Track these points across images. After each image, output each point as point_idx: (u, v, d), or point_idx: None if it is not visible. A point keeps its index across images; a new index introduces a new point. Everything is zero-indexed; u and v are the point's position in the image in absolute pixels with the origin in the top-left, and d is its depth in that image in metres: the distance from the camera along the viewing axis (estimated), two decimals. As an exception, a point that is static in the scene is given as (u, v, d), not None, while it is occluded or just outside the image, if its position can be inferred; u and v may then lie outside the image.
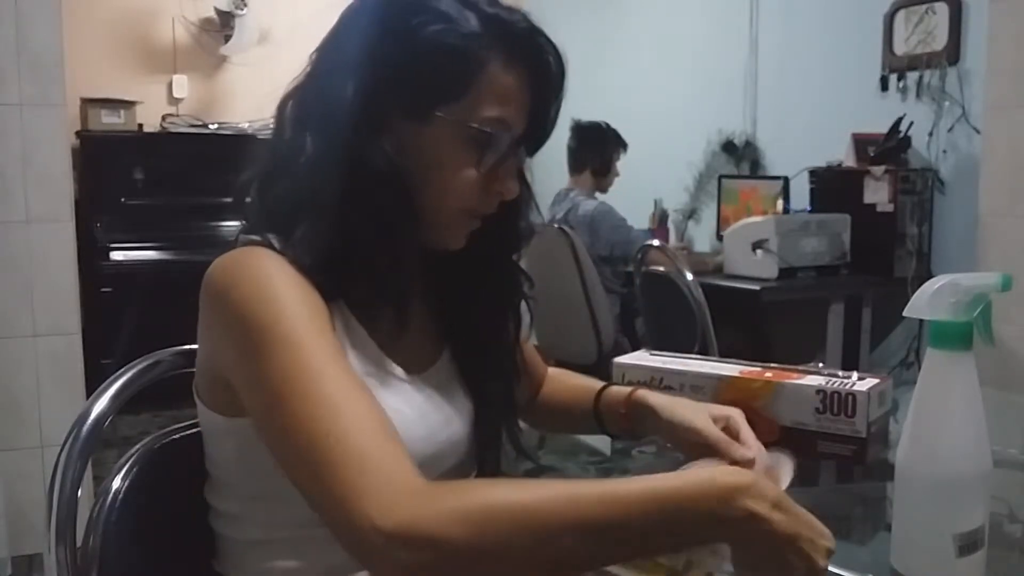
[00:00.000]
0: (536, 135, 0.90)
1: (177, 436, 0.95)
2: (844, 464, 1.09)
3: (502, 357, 1.00)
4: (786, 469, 0.88)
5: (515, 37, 0.85)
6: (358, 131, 0.82)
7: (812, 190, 3.39)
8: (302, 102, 0.87)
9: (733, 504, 0.64)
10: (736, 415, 0.96)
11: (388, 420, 0.70)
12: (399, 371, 0.88)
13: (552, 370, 1.17)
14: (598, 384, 1.09)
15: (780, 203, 3.44)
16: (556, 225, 3.40)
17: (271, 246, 0.80)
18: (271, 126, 0.89)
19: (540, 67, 0.87)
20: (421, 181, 0.84)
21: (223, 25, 4.81)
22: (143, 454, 0.93)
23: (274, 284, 0.76)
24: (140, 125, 4.51)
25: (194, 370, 0.88)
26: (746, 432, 0.94)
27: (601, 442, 1.24)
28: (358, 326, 0.85)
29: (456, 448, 0.93)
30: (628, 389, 1.04)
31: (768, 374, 1.16)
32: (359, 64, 0.83)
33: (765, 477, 0.73)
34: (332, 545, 0.66)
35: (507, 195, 0.88)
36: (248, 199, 0.88)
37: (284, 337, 0.72)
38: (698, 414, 0.95)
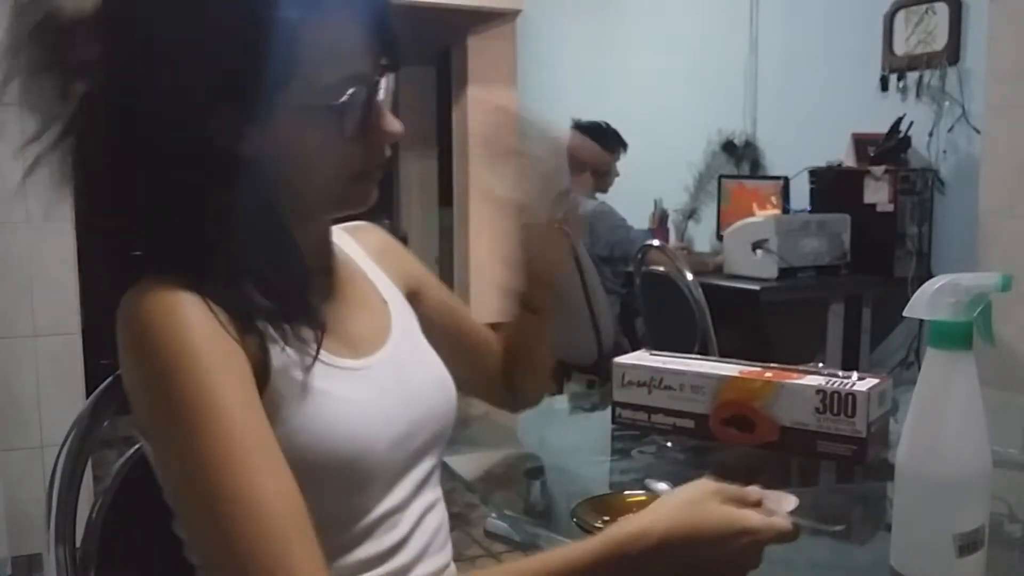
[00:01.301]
0: (391, 57, 0.81)
1: (177, 436, 0.95)
2: (844, 464, 1.09)
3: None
4: (785, 504, 0.85)
5: None
6: (194, 148, 0.75)
7: (812, 190, 3.39)
8: (117, 104, 0.77)
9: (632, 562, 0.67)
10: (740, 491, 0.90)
11: (299, 506, 0.68)
12: (344, 361, 0.83)
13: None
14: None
15: (777, 200, 3.45)
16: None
17: (179, 282, 0.73)
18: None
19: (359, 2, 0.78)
20: (294, 174, 0.79)
21: (223, 25, 4.81)
22: (143, 454, 0.93)
23: (188, 352, 0.70)
24: (140, 125, 4.51)
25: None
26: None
27: (602, 443, 1.24)
28: (286, 333, 0.79)
29: (424, 426, 0.89)
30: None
31: (768, 374, 1.16)
32: (162, 73, 0.73)
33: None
34: None
35: (391, 137, 0.82)
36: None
37: (200, 426, 0.68)
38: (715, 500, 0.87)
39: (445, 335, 1.05)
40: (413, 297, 1.02)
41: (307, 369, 0.78)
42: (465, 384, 1.08)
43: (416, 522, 0.88)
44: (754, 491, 0.73)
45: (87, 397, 0.92)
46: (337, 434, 0.79)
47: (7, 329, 2.51)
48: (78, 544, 0.87)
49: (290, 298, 0.79)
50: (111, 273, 0.78)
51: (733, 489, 0.72)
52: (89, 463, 0.90)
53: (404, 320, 0.96)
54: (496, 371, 1.12)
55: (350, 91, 0.77)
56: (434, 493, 0.93)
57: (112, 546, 0.88)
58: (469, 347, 1.10)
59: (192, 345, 0.70)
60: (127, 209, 0.78)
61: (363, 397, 0.82)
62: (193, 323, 0.71)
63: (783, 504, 0.79)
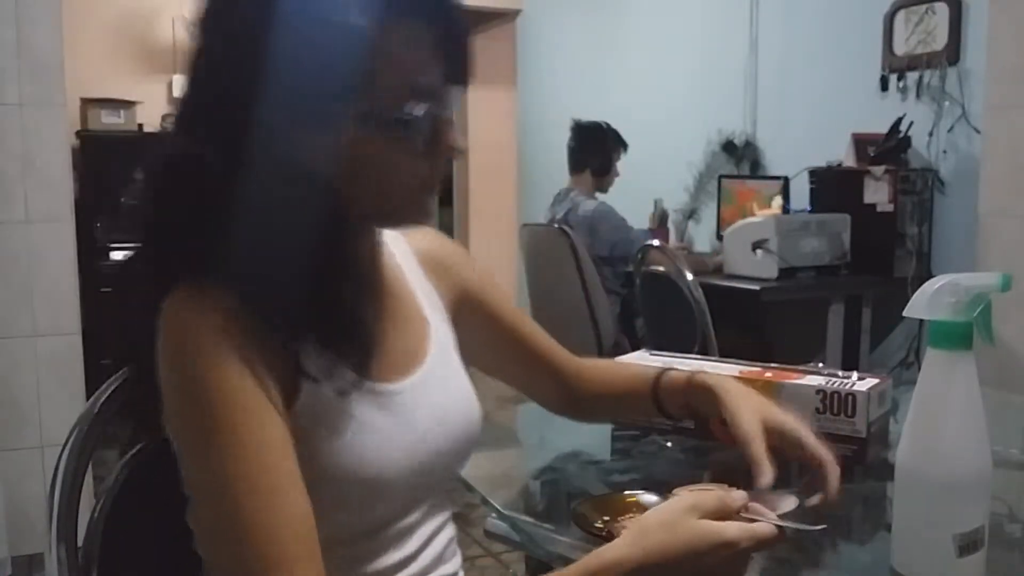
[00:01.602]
0: (462, 74, 0.81)
1: (177, 436, 0.95)
2: (844, 464, 1.09)
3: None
4: (784, 504, 0.84)
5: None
6: (263, 159, 0.74)
7: (812, 190, 3.39)
8: (202, 116, 0.78)
9: None
10: (792, 428, 0.92)
11: (311, 529, 0.71)
12: (375, 384, 0.83)
13: (593, 361, 1.13)
14: (653, 370, 1.06)
15: (778, 200, 3.44)
16: (556, 225, 3.41)
17: (217, 298, 0.73)
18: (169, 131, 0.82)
19: (437, 14, 0.78)
20: (357, 188, 0.78)
21: (223, 25, 4.81)
22: (143, 454, 0.93)
23: (223, 382, 0.71)
24: (140, 125, 4.51)
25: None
26: (805, 443, 0.91)
27: (602, 443, 1.24)
28: (323, 355, 0.78)
29: (446, 455, 0.89)
30: (687, 373, 1.02)
31: (768, 374, 1.16)
32: (242, 83, 0.73)
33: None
34: None
35: (455, 153, 0.82)
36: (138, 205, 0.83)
37: (224, 445, 0.71)
38: (754, 420, 0.92)
39: (503, 345, 1.05)
40: (467, 306, 1.01)
41: (342, 393, 0.78)
42: (522, 389, 1.10)
43: (429, 538, 0.90)
44: (736, 497, 0.73)
45: (87, 397, 0.92)
46: (358, 460, 0.79)
47: (7, 329, 2.51)
48: (79, 544, 0.87)
49: (340, 316, 0.78)
50: (157, 272, 0.77)
51: (711, 501, 0.71)
52: (89, 463, 0.90)
53: (441, 339, 0.94)
54: (562, 387, 1.10)
55: (419, 104, 0.77)
56: (447, 510, 0.95)
57: (113, 546, 0.88)
58: (529, 359, 1.08)
59: (227, 366, 0.71)
60: (187, 210, 0.77)
61: (389, 426, 0.82)
62: (232, 343, 0.71)
63: (782, 505, 0.79)
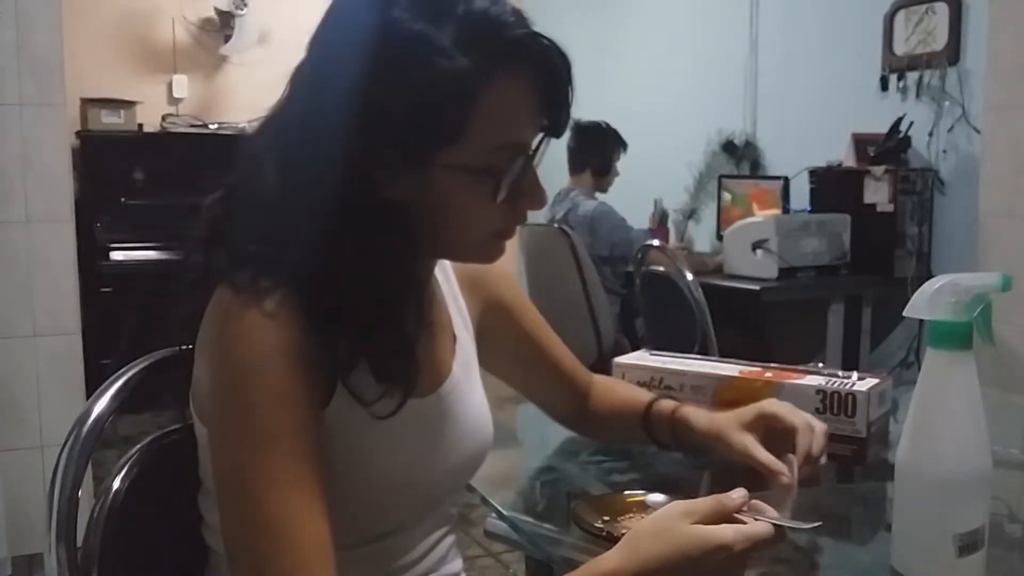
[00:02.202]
0: (553, 125, 0.81)
1: (177, 436, 0.95)
2: (844, 464, 1.09)
3: None
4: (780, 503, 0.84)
5: (506, 47, 0.75)
6: (353, 183, 0.75)
7: (812, 190, 3.39)
8: (286, 139, 0.79)
9: None
10: (768, 407, 0.96)
11: (325, 534, 0.72)
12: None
13: (599, 378, 1.16)
14: (646, 397, 1.09)
15: (778, 200, 3.45)
16: (556, 225, 3.41)
17: (271, 282, 0.75)
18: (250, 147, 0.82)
19: (543, 71, 0.78)
20: (438, 224, 0.79)
21: (223, 25, 4.81)
22: (143, 454, 0.93)
23: (265, 377, 0.72)
24: (140, 125, 4.51)
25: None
26: (782, 416, 0.95)
27: (602, 445, 1.24)
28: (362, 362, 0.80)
29: (457, 473, 0.91)
30: (673, 405, 1.05)
31: (768, 374, 1.16)
32: (339, 109, 0.75)
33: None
34: None
35: (535, 206, 0.82)
36: (218, 213, 0.83)
37: (257, 439, 0.72)
38: (738, 432, 0.95)
39: (527, 358, 1.07)
40: (496, 318, 1.02)
41: (379, 417, 0.79)
42: (532, 397, 1.12)
43: (433, 544, 0.92)
44: (734, 498, 0.72)
45: (87, 397, 0.92)
46: (377, 471, 0.81)
47: (7, 329, 2.51)
48: (79, 544, 0.87)
49: (397, 345, 0.79)
50: (217, 270, 0.78)
51: (705, 506, 0.71)
52: (89, 463, 0.90)
53: (465, 354, 0.95)
54: (573, 403, 1.13)
55: (509, 158, 0.78)
56: (450, 516, 0.96)
57: (113, 546, 0.88)
58: (548, 373, 1.10)
59: (276, 360, 0.72)
60: (264, 214, 0.78)
61: (409, 439, 0.84)
62: (279, 348, 0.72)
63: (783, 503, 0.79)
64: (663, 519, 0.71)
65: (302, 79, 0.80)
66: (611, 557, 0.70)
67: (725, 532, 0.69)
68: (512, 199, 0.79)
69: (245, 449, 0.72)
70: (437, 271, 0.95)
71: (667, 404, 1.06)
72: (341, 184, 0.75)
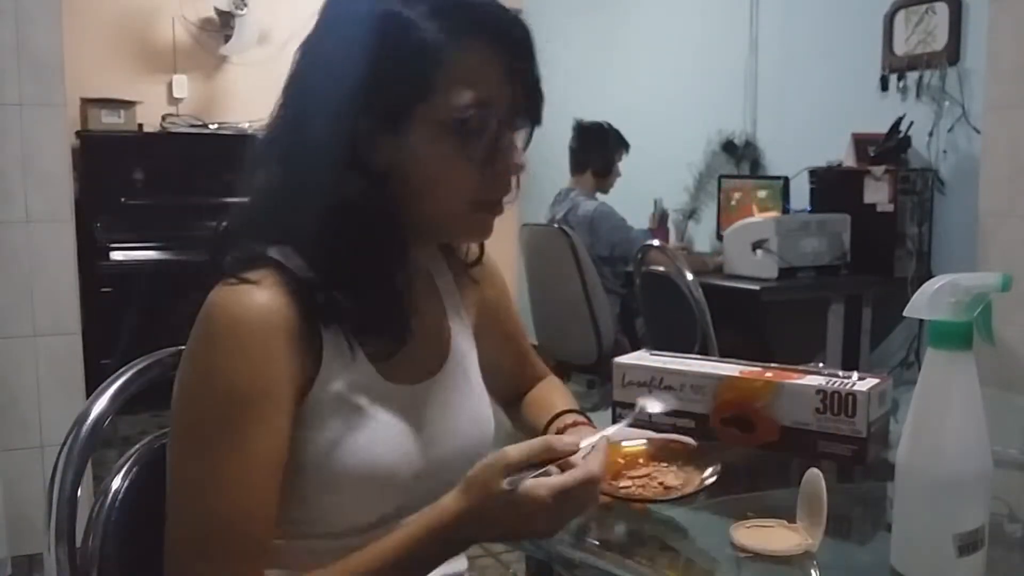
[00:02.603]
0: (527, 103, 0.86)
1: (177, 436, 0.95)
2: (844, 464, 1.09)
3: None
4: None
5: (466, 14, 0.82)
6: (338, 156, 0.81)
7: (812, 190, 3.39)
8: (281, 131, 0.86)
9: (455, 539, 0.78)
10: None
11: (266, 531, 0.77)
12: (391, 385, 0.86)
13: (548, 379, 1.17)
14: (558, 408, 1.08)
15: (777, 200, 3.44)
16: (556, 225, 3.41)
17: (260, 272, 0.80)
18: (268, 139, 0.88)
19: (504, 37, 0.83)
20: (420, 190, 0.83)
21: (223, 25, 4.81)
22: (143, 454, 0.93)
23: (243, 359, 0.76)
24: (140, 125, 4.51)
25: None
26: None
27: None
28: (351, 347, 0.84)
29: (451, 463, 0.90)
30: (569, 421, 1.05)
31: (768, 374, 1.16)
32: (324, 96, 0.82)
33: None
34: (317, 559, 0.75)
35: (515, 170, 0.85)
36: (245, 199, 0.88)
37: (211, 433, 0.76)
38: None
39: (495, 344, 1.07)
40: (481, 322, 1.03)
41: (356, 386, 0.83)
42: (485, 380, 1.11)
43: None
44: (565, 441, 0.78)
45: (87, 397, 0.93)
46: (366, 455, 0.82)
47: (7, 329, 2.51)
48: (78, 544, 0.87)
49: (379, 316, 0.84)
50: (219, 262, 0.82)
51: (531, 452, 0.77)
52: (89, 463, 0.90)
53: (460, 348, 0.97)
54: (511, 390, 1.14)
55: (481, 119, 0.82)
56: None
57: (113, 546, 0.88)
58: (505, 359, 1.11)
59: (242, 360, 0.76)
60: (257, 196, 0.86)
61: (397, 426, 0.85)
62: (261, 335, 0.76)
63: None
64: (483, 470, 0.76)
65: (293, 76, 0.86)
66: (448, 500, 0.77)
67: (537, 490, 0.74)
68: (490, 163, 0.83)
69: (196, 445, 0.76)
70: (432, 267, 0.97)
71: (565, 419, 1.05)
72: (328, 163, 0.80)
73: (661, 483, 0.98)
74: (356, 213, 0.81)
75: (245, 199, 0.87)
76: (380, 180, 0.82)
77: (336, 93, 0.80)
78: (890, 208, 3.08)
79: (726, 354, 1.35)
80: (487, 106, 0.82)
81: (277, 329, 0.77)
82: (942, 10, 3.13)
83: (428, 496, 0.90)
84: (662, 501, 0.95)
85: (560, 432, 1.03)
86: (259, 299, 0.77)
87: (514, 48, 0.84)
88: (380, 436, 0.84)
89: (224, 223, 0.88)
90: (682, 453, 1.04)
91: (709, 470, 0.98)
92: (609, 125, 3.69)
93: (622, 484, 0.98)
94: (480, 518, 0.76)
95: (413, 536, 0.77)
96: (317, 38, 0.86)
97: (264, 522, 0.76)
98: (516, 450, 0.76)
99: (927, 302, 0.76)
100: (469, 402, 0.95)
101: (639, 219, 3.88)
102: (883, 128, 3.16)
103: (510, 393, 1.14)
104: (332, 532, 0.83)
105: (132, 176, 4.35)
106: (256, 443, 0.75)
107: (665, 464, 1.03)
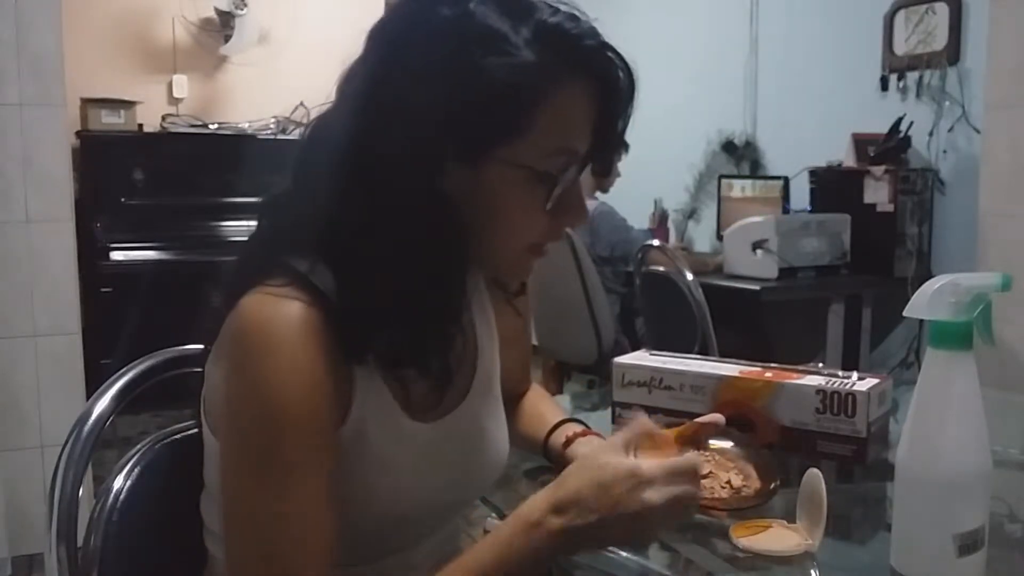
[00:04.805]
0: (603, 149, 0.81)
1: (178, 436, 0.95)
2: (844, 464, 1.09)
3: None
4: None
5: (579, 56, 0.76)
6: (405, 180, 0.74)
7: (812, 190, 3.39)
8: (339, 136, 0.76)
9: (544, 533, 0.72)
10: (643, 423, 0.87)
11: (326, 549, 0.72)
12: (417, 426, 0.82)
13: (532, 390, 1.14)
14: (555, 419, 1.07)
15: (777, 200, 3.44)
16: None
17: (302, 293, 0.73)
18: (303, 143, 0.81)
19: (608, 83, 0.78)
20: (483, 224, 0.77)
21: (223, 25, 4.80)
22: (143, 454, 0.93)
23: (286, 380, 0.70)
24: (140, 125, 4.51)
25: (196, 370, 0.87)
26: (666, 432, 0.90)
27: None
28: (381, 382, 0.79)
29: (468, 495, 0.90)
30: (571, 434, 1.03)
31: (768, 374, 1.16)
32: (399, 102, 0.73)
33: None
34: None
35: (576, 223, 0.82)
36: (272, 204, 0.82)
37: (269, 448, 0.71)
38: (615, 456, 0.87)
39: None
40: (505, 333, 0.99)
41: (389, 433, 0.79)
42: None
43: (439, 561, 0.90)
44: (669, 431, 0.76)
45: (87, 397, 0.92)
46: (387, 505, 0.80)
47: (7, 329, 2.51)
48: (79, 544, 0.87)
49: (436, 350, 0.79)
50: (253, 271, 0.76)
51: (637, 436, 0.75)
52: (89, 463, 0.90)
53: (486, 368, 0.93)
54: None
55: (564, 167, 0.77)
56: (459, 531, 0.95)
57: (113, 546, 0.88)
58: (504, 373, 1.06)
59: (297, 375, 0.70)
60: (316, 213, 0.76)
61: (421, 471, 0.82)
62: (309, 353, 0.71)
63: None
64: (593, 452, 0.74)
65: (357, 75, 0.77)
66: (539, 495, 0.73)
67: (639, 462, 0.71)
68: (556, 211, 0.79)
69: (251, 463, 0.71)
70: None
71: (564, 434, 1.04)
72: (394, 175, 0.73)
73: (728, 482, 0.95)
74: (421, 236, 0.74)
75: (276, 204, 0.81)
76: (445, 204, 0.75)
77: (416, 103, 0.72)
78: (890, 208, 3.08)
79: (726, 354, 1.35)
80: (573, 155, 0.78)
81: (322, 379, 0.71)
82: (942, 10, 3.13)
83: (443, 522, 0.90)
84: (746, 508, 0.92)
85: (568, 443, 1.02)
86: (307, 348, 0.71)
87: (616, 98, 0.79)
88: (403, 485, 0.81)
89: (256, 231, 0.82)
90: (713, 434, 1.00)
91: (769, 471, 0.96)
92: (609, 125, 3.68)
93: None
94: (577, 497, 0.71)
95: (502, 541, 0.74)
96: (396, 31, 0.77)
97: (323, 555, 0.72)
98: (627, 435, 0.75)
99: (927, 302, 0.76)
100: (490, 429, 0.91)
101: (639, 219, 3.88)
102: (883, 128, 3.16)
103: (504, 396, 1.13)
104: (342, 562, 0.77)
105: (132, 176, 4.35)
106: (316, 476, 0.71)
107: (705, 453, 0.98)
